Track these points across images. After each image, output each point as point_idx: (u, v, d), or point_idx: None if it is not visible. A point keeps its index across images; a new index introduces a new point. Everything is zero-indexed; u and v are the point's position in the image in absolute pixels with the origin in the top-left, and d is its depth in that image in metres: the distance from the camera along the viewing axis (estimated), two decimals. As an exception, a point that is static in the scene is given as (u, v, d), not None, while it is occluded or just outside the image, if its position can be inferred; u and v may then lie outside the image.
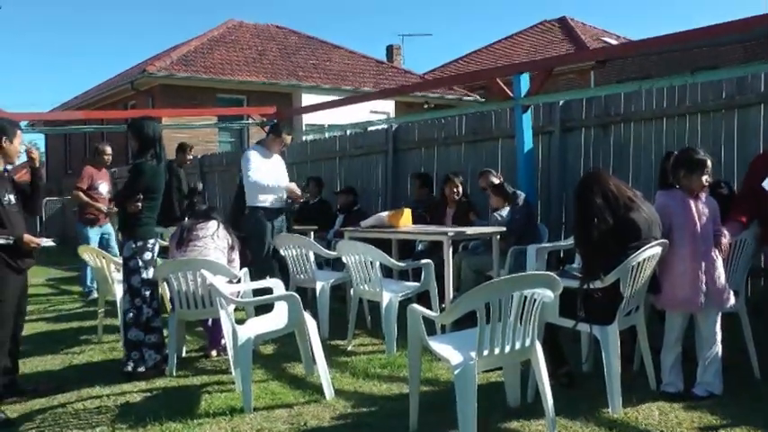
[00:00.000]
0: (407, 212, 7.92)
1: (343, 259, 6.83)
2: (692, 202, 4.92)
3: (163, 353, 6.12)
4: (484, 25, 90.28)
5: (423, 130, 10.99)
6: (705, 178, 4.93)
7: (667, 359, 5.01)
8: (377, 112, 20.32)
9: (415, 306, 4.37)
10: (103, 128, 19.40)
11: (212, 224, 6.59)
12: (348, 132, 13.10)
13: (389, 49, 33.47)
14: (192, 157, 11.51)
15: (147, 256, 6.04)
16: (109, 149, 10.48)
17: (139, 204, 5.97)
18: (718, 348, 4.94)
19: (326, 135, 14.02)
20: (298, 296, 5.38)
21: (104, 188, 10.26)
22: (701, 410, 4.68)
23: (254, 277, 6.87)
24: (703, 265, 4.85)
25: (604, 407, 4.70)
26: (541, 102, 8.85)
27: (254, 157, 8.14)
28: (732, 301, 5.01)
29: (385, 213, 7.96)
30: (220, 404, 5.20)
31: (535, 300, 4.10)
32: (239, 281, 6.49)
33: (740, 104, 7.31)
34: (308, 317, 5.42)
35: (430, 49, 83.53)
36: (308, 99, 21.58)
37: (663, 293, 5.01)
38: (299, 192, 8.33)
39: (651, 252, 4.71)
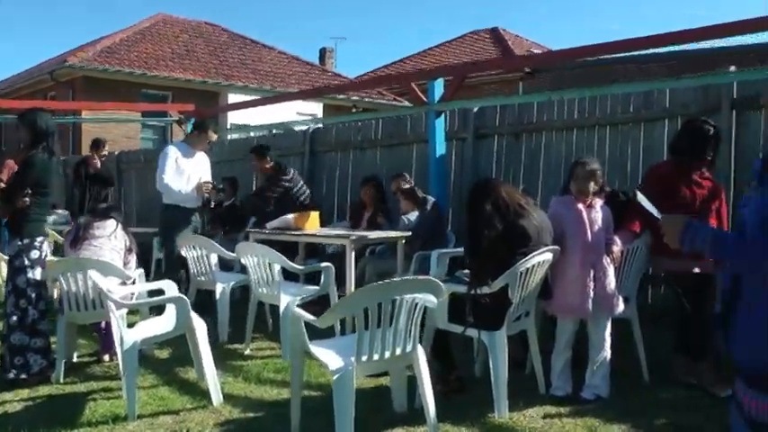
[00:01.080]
0: (314, 215, 7.85)
1: (242, 261, 6.71)
2: (584, 211, 4.96)
3: (50, 358, 5.78)
4: (420, 32, 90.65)
5: (340, 133, 10.94)
6: (591, 185, 4.98)
7: (557, 363, 5.05)
8: (304, 114, 20.22)
9: (297, 310, 4.29)
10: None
11: (110, 223, 6.35)
12: (271, 132, 12.95)
13: (322, 52, 33.30)
14: (106, 152, 11.21)
15: (35, 254, 5.71)
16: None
17: (27, 200, 5.70)
18: (608, 353, 5.00)
19: (251, 134, 13.85)
20: (186, 299, 5.23)
21: None
22: (587, 413, 4.73)
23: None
24: (593, 272, 4.90)
25: (492, 411, 4.69)
26: (456, 108, 8.88)
27: (172, 154, 7.93)
28: (621, 307, 5.07)
29: (291, 216, 7.86)
30: (104, 412, 4.97)
31: (417, 305, 4.04)
32: (134, 282, 6.29)
33: (646, 118, 7.45)
34: (197, 320, 5.25)
35: (365, 53, 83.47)
36: (234, 98, 21.31)
37: (554, 299, 5.05)
38: (204, 192, 8.14)
39: (540, 258, 4.73)
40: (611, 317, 5.05)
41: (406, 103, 24.77)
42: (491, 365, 4.67)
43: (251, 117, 18.55)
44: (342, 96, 23.55)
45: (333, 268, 6.68)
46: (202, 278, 7.44)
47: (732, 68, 7.70)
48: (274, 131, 12.82)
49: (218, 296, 7.11)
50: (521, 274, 4.64)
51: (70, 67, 20.79)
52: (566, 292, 4.96)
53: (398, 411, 4.74)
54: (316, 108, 22.80)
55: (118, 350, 5.38)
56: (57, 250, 7.87)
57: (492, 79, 22.78)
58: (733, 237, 2.21)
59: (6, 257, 6.04)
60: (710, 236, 2.24)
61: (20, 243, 5.70)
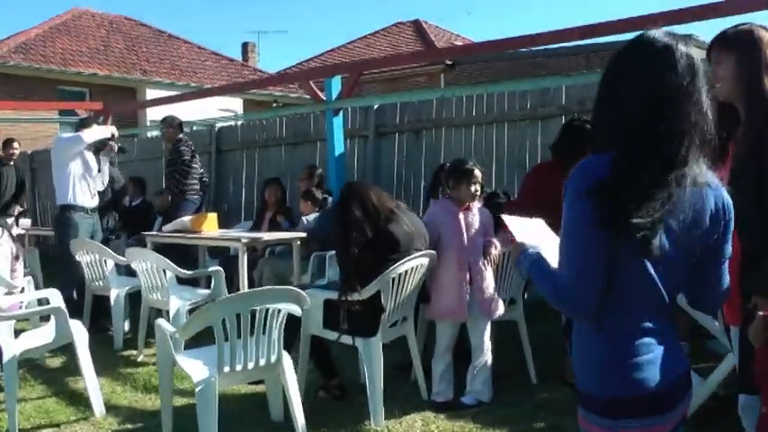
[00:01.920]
0: (212, 216, 7.74)
1: (133, 266, 6.57)
2: (460, 214, 4.93)
3: None
4: (343, 24, 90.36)
5: (245, 132, 10.89)
6: (474, 188, 4.95)
7: (437, 368, 5.01)
8: (226, 110, 19.95)
9: (160, 321, 4.20)
10: None
11: None
12: (192, 129, 12.67)
13: (245, 47, 32.98)
14: (16, 151, 10.80)
15: None
16: None
17: None
18: (488, 357, 4.98)
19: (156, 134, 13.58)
20: (63, 310, 5.11)
21: None
22: (466, 419, 4.71)
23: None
24: (469, 275, 4.88)
25: (369, 419, 4.64)
26: (354, 105, 8.84)
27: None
28: (501, 310, 5.08)
29: (188, 217, 7.74)
30: (-15, 427, 4.88)
31: (279, 315, 3.99)
32: (22, 290, 6.12)
33: (542, 116, 7.51)
34: (77, 329, 5.14)
35: (288, 47, 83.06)
36: (152, 94, 20.88)
37: (431, 303, 5.02)
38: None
39: (413, 263, 4.69)
40: (491, 320, 5.04)
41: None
42: (365, 373, 4.63)
43: (174, 113, 18.20)
44: (263, 92, 23.27)
45: (222, 272, 6.56)
46: (98, 283, 7.26)
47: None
48: (194, 128, 12.55)
49: (112, 302, 6.95)
50: (392, 280, 4.60)
51: (-17, 64, 20.21)
52: (442, 296, 4.93)
53: (274, 420, 4.69)
54: (236, 104, 22.52)
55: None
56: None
57: (415, 71, 22.81)
58: (542, 272, 2.15)
59: None
60: (533, 265, 2.15)
61: None
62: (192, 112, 13.67)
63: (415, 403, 4.99)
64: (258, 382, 4.77)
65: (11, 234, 6.24)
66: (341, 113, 8.40)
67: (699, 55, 1.97)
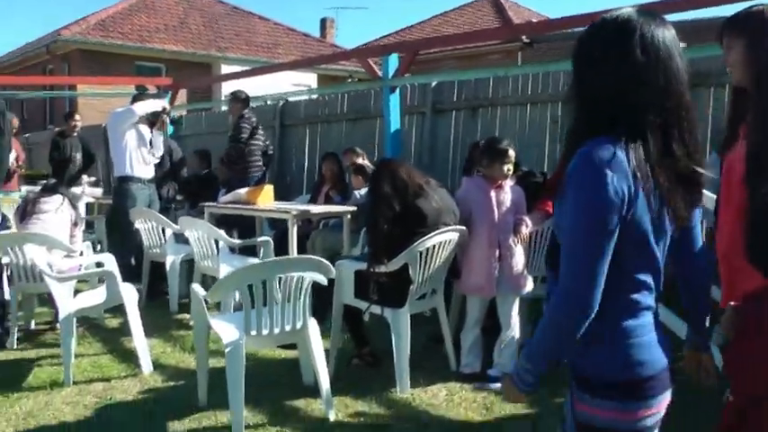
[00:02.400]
0: (268, 189, 7.94)
1: (186, 234, 6.84)
2: (492, 192, 5.02)
3: (5, 326, 6.08)
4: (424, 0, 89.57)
5: (308, 108, 11.06)
6: (507, 167, 5.02)
7: (466, 341, 5.13)
8: (300, 85, 20.19)
9: (195, 285, 4.42)
10: (22, 94, 19.02)
11: (56, 198, 6.51)
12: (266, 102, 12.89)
13: (323, 22, 33.28)
14: (78, 123, 11.24)
15: None
16: (16, 120, 10.32)
17: None
18: (515, 332, 5.07)
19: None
20: (115, 272, 5.42)
21: (11, 156, 10.07)
22: (490, 390, 4.83)
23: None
24: (498, 252, 4.97)
25: (395, 386, 4.82)
26: (410, 83, 8.97)
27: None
28: (530, 287, 5.16)
29: (243, 190, 7.97)
30: (45, 377, 5.23)
31: (304, 282, 4.16)
32: (81, 254, 6.47)
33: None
34: (127, 291, 5.44)
35: (367, 23, 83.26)
36: (227, 69, 21.19)
37: (462, 278, 5.14)
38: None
39: (441, 238, 4.82)
40: (519, 296, 5.13)
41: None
42: (393, 341, 4.79)
43: (246, 89, 18.50)
44: (337, 67, 23.47)
45: (271, 242, 6.79)
46: (156, 250, 7.59)
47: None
48: (267, 102, 12.74)
49: (168, 268, 7.25)
50: (420, 254, 4.74)
51: (64, 41, 20.92)
52: (471, 271, 5.04)
53: (306, 384, 4.87)
54: (310, 79, 22.78)
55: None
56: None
57: (495, 49, 22.79)
58: (537, 338, 2.03)
59: None
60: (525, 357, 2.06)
61: None
62: (266, 87, 13.98)
63: (444, 374, 5.14)
64: (293, 347, 4.97)
65: (71, 202, 6.61)
66: (397, 91, 8.49)
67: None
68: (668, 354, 2.03)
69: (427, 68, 20.95)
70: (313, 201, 8.70)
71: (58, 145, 10.84)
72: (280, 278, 4.06)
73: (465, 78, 8.87)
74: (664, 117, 1.89)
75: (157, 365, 5.48)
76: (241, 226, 8.32)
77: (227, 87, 20.61)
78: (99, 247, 8.87)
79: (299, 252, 7.03)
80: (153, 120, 8.10)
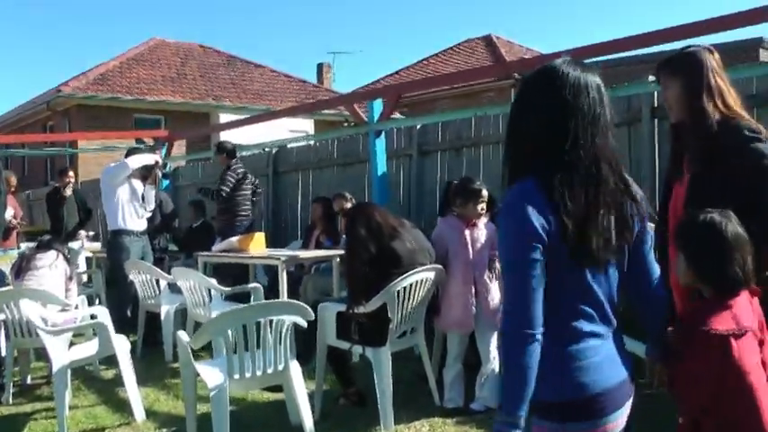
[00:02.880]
0: (259, 236, 8.16)
1: (178, 284, 7.02)
2: (466, 230, 5.22)
3: (1, 381, 6.24)
4: (419, 41, 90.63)
5: (300, 154, 11.32)
6: (480, 207, 5.23)
7: (448, 376, 5.29)
8: (296, 131, 20.43)
9: (180, 332, 4.59)
10: (22, 152, 19.37)
11: (51, 254, 6.70)
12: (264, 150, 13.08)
13: (320, 68, 33.73)
14: (71, 179, 11.37)
15: None
16: (13, 179, 10.55)
17: None
18: (495, 365, 5.20)
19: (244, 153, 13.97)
20: (105, 323, 5.58)
21: (8, 213, 10.27)
22: (471, 424, 4.98)
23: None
24: (474, 288, 5.14)
25: (379, 424, 4.93)
26: (395, 126, 9.18)
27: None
28: (507, 321, 5.29)
29: (235, 238, 8.18)
30: (40, 431, 5.41)
31: (284, 326, 4.33)
32: (76, 307, 6.63)
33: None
34: (119, 341, 5.60)
35: (362, 66, 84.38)
36: (225, 119, 21.54)
37: (441, 315, 5.32)
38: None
39: (417, 277, 4.99)
40: (497, 330, 5.26)
41: (399, 116, 25.08)
42: (375, 380, 4.93)
43: (243, 137, 18.79)
44: (333, 112, 23.72)
45: (260, 288, 6.96)
46: (151, 301, 7.76)
47: (651, 78, 7.86)
48: (266, 149, 12.90)
49: (162, 318, 7.42)
50: (397, 293, 4.91)
51: (64, 96, 21.26)
52: (450, 309, 5.23)
53: (293, 424, 5.00)
54: (308, 125, 23.04)
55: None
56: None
57: (488, 86, 23.15)
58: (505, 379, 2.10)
59: None
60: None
61: None
62: (263, 135, 14.23)
63: (428, 410, 5.26)
64: (280, 389, 5.12)
65: (66, 257, 6.80)
66: (383, 135, 8.72)
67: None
68: (627, 371, 2.19)
69: (423, 110, 21.33)
70: (305, 245, 8.90)
71: (54, 203, 11.02)
72: (260, 322, 4.21)
73: (448, 119, 9.10)
74: (590, 152, 2.08)
75: (151, 413, 5.61)
76: (235, 274, 8.53)
77: (225, 136, 20.94)
78: (97, 301, 9.05)
79: (292, 296, 7.19)
80: (145, 174, 8.31)
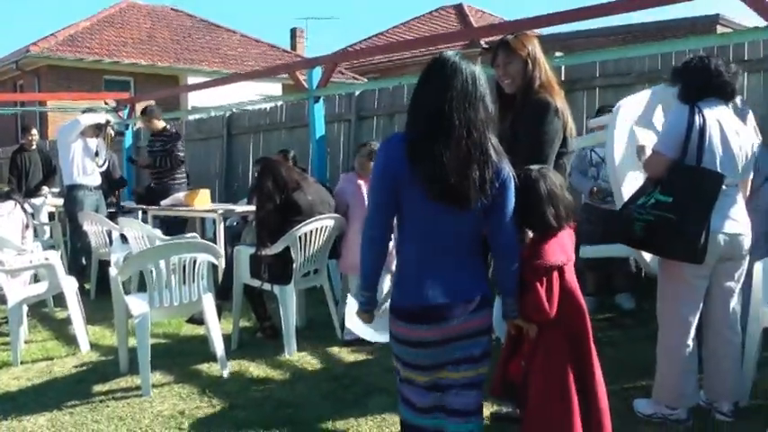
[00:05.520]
0: (204, 192, 8.91)
1: (125, 233, 7.76)
2: (363, 185, 6.01)
3: None
4: (395, 8, 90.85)
5: (252, 117, 12.05)
6: (371, 164, 6.00)
7: (345, 312, 6.05)
8: (262, 95, 20.94)
9: (111, 269, 5.39)
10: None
11: (9, 204, 7.37)
12: (229, 111, 13.64)
13: (293, 32, 33.89)
14: (35, 137, 11.80)
15: None
16: None
17: None
18: (386, 305, 5.96)
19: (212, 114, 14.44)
20: (53, 264, 6.32)
21: None
22: (363, 352, 5.78)
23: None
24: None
25: (284, 351, 5.79)
26: (331, 93, 9.93)
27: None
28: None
29: (182, 194, 8.94)
30: (-4, 360, 6.15)
31: (196, 263, 5.11)
32: (32, 252, 7.35)
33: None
34: (67, 281, 6.35)
35: (336, 33, 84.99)
36: (194, 81, 22.06)
37: (341, 259, 6.15)
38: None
39: (317, 225, 5.82)
40: (390, 273, 6.05)
41: (364, 80, 25.70)
42: (281, 313, 5.73)
43: (210, 100, 19.35)
44: (301, 76, 24.21)
45: (197, 237, 7.70)
46: (103, 250, 8.49)
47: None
48: (228, 112, 13.40)
49: (112, 265, 8.13)
50: (299, 237, 5.71)
51: (33, 56, 21.70)
52: (349, 253, 6.03)
53: (212, 353, 5.78)
54: (276, 89, 23.56)
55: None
56: None
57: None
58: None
59: None
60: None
61: None
62: (231, 97, 14.84)
63: (329, 341, 6.10)
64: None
65: (23, 208, 7.49)
66: (321, 100, 9.40)
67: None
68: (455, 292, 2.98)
69: (392, 75, 21.96)
70: (249, 202, 9.60)
71: (16, 160, 11.58)
72: (180, 259, 5.00)
73: (383, 87, 9.84)
74: (455, 122, 2.78)
75: (95, 346, 6.38)
76: (186, 226, 9.32)
77: (189, 99, 21.56)
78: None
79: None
80: (97, 132, 8.96)
